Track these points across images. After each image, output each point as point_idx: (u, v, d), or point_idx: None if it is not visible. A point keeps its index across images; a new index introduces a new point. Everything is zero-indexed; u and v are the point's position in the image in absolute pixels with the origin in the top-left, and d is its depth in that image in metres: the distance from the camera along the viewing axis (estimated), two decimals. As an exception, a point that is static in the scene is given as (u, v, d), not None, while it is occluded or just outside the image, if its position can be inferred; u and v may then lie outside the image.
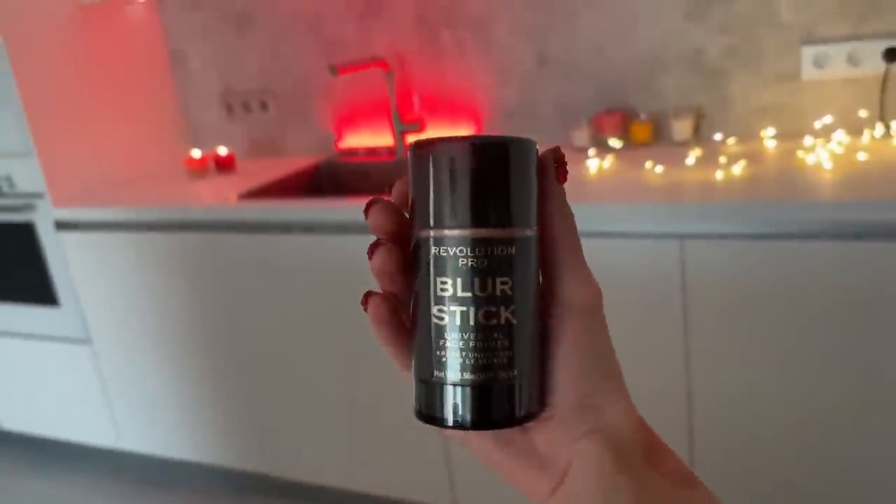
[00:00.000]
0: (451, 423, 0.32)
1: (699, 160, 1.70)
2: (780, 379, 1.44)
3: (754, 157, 1.67)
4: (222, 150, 2.34)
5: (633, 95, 1.93)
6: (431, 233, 0.32)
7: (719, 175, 1.56)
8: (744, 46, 1.79)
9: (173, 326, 2.09)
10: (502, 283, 0.32)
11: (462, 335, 0.31)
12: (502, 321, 0.32)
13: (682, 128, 1.84)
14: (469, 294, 0.31)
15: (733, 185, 1.49)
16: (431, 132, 2.18)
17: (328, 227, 1.77)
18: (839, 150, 1.61)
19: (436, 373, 0.32)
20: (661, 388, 1.52)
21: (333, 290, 1.80)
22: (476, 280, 0.31)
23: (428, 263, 0.32)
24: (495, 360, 0.31)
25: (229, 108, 2.48)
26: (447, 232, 0.32)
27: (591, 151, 1.90)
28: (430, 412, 0.33)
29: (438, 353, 0.32)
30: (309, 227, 1.79)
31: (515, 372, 0.32)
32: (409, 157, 0.34)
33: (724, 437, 1.53)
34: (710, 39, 1.82)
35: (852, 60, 1.69)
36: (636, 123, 1.89)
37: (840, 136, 1.70)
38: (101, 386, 2.29)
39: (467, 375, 0.31)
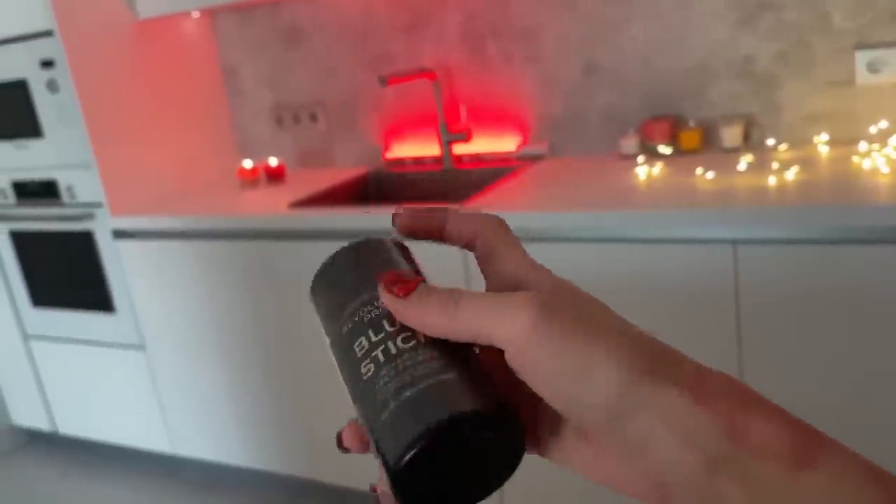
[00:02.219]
0: (406, 447, 0.29)
1: (751, 166, 1.69)
2: (835, 386, 1.41)
3: (807, 163, 1.65)
4: (273, 161, 2.39)
5: (682, 103, 1.93)
6: (337, 324, 0.36)
7: (772, 180, 1.55)
8: (795, 53, 1.78)
9: (225, 333, 2.14)
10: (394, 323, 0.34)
11: (390, 365, 0.31)
12: (421, 339, 0.32)
13: (732, 134, 1.83)
14: (381, 335, 0.33)
15: (787, 190, 1.48)
16: (477, 142, 2.20)
17: (378, 235, 1.79)
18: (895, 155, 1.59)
19: (382, 416, 0.30)
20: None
21: (383, 296, 1.81)
22: (382, 321, 0.33)
23: (342, 344, 0.35)
24: (429, 370, 0.31)
25: (279, 120, 2.53)
26: (342, 313, 0.36)
27: (640, 159, 1.90)
28: (391, 453, 0.30)
29: (377, 398, 0.31)
30: (357, 235, 1.82)
31: (454, 374, 0.30)
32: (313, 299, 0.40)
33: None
34: (761, 46, 1.81)
35: (908, 64, 1.67)
36: (685, 130, 1.89)
37: (896, 141, 1.68)
38: (155, 392, 2.35)
39: (407, 393, 0.30)
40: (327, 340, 0.37)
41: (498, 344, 0.29)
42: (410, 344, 0.32)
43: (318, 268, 0.38)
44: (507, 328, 0.28)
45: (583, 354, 0.27)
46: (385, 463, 0.30)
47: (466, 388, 0.30)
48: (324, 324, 0.38)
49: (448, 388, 0.30)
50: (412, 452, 0.29)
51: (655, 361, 0.27)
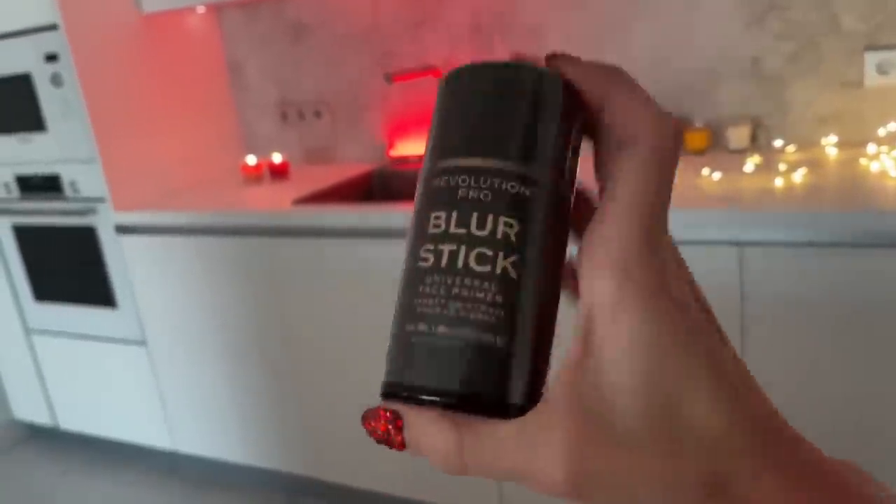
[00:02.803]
0: (410, 389, 0.25)
1: (758, 168, 1.67)
2: (840, 392, 1.40)
3: (815, 165, 1.63)
4: (277, 158, 2.38)
5: (689, 104, 1.91)
6: (433, 164, 0.28)
7: (779, 182, 1.54)
8: (804, 54, 1.76)
9: (227, 330, 2.13)
10: (506, 224, 0.26)
11: (444, 278, 0.25)
12: (498, 270, 0.25)
13: (738, 135, 1.81)
14: (463, 230, 0.26)
15: (793, 193, 1.47)
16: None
17: (380, 233, 1.78)
18: (904, 158, 1.57)
19: (406, 325, 0.26)
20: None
21: (386, 295, 1.81)
22: (474, 214, 0.26)
23: (424, 198, 0.27)
24: (479, 317, 0.25)
25: (284, 117, 2.52)
26: (450, 161, 0.27)
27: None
28: (391, 376, 0.26)
29: (415, 300, 0.26)
30: (362, 233, 1.81)
31: (502, 339, 0.25)
32: (439, 87, 0.30)
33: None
34: (770, 47, 1.79)
35: (918, 66, 1.65)
36: (691, 131, 1.87)
37: (905, 143, 1.66)
38: (157, 388, 2.34)
39: (443, 329, 0.25)
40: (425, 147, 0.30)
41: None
42: (483, 269, 0.25)
43: (478, 66, 0.28)
44: (537, 486, 0.24)
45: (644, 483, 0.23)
46: (386, 372, 0.27)
47: (503, 369, 0.25)
48: (431, 136, 0.29)
49: (484, 358, 0.25)
50: (400, 390, 0.26)
51: (751, 456, 0.23)
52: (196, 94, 2.46)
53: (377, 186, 2.31)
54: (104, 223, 2.22)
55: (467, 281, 0.25)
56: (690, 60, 1.88)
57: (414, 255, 0.27)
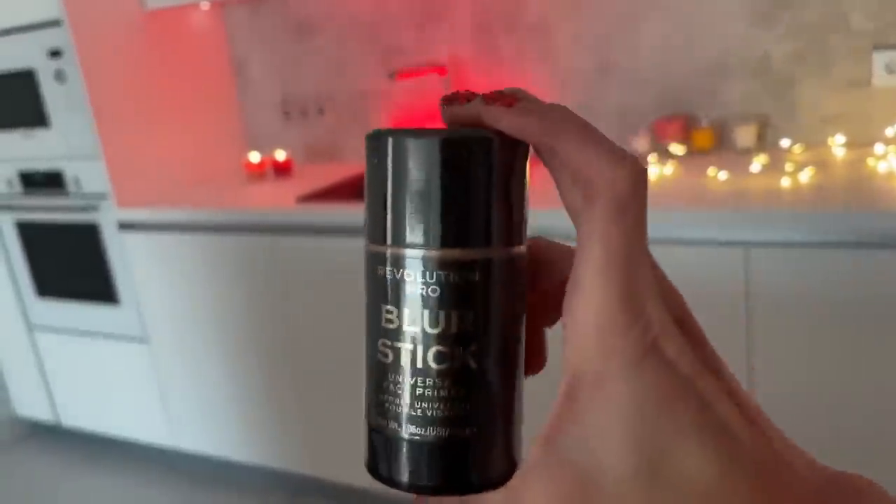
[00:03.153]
0: (390, 481, 0.26)
1: (764, 167, 1.66)
2: (847, 393, 1.38)
3: (822, 165, 1.62)
4: (280, 155, 2.37)
5: (696, 102, 1.90)
6: (374, 248, 0.27)
7: (785, 182, 1.52)
8: (812, 53, 1.75)
9: (229, 327, 2.12)
10: (459, 318, 0.25)
11: (405, 378, 0.26)
12: (457, 364, 0.25)
13: (745, 134, 1.80)
14: (416, 328, 0.25)
15: (800, 193, 1.45)
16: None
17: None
18: (913, 159, 1.56)
19: (377, 420, 0.27)
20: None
21: (388, 293, 1.80)
22: (425, 312, 0.25)
23: (373, 285, 0.27)
24: (445, 414, 0.25)
25: (287, 114, 2.51)
26: (392, 250, 0.26)
27: (652, 158, 1.87)
28: (371, 464, 0.27)
29: (381, 396, 0.26)
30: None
31: (472, 429, 0.25)
32: (366, 149, 0.27)
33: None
34: (777, 46, 1.78)
35: (927, 66, 1.63)
36: (698, 130, 1.86)
37: (913, 144, 1.65)
38: (158, 385, 2.34)
39: (411, 429, 0.26)
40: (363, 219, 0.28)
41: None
42: (442, 366, 0.25)
43: (403, 138, 0.25)
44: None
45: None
46: (366, 454, 0.28)
47: (479, 456, 0.26)
48: (366, 207, 0.27)
49: (457, 451, 0.25)
50: (382, 481, 0.27)
51: None
52: (199, 91, 2.45)
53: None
54: (107, 220, 2.22)
55: (429, 381, 0.25)
56: (697, 59, 1.87)
57: (373, 347, 0.27)
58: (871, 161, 1.59)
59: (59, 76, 2.13)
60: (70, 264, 2.38)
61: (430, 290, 0.25)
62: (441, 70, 2.12)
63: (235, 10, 2.49)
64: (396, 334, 0.26)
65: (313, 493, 2.24)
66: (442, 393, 0.25)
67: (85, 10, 2.09)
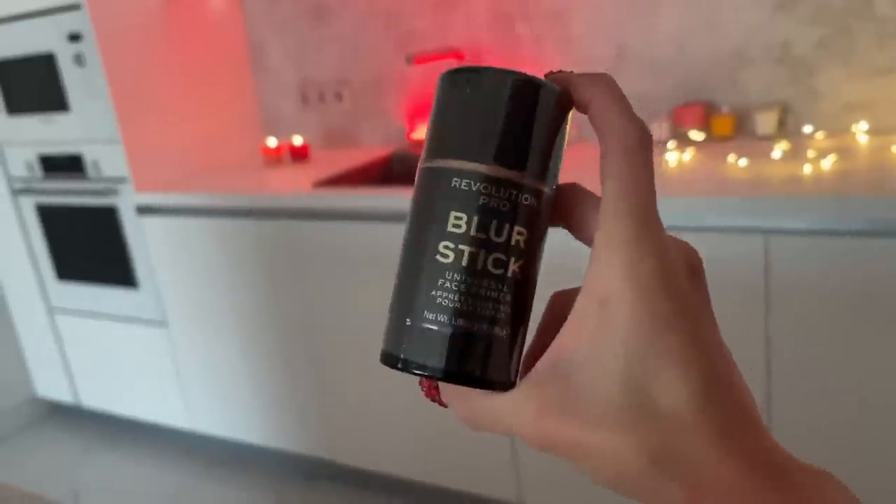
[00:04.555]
0: (426, 368, 0.29)
1: (785, 154, 1.64)
2: (867, 384, 1.37)
3: (845, 152, 1.59)
4: (297, 140, 2.37)
5: (716, 89, 1.88)
6: (456, 163, 0.29)
7: (807, 169, 1.50)
8: (836, 39, 1.72)
9: (247, 312, 2.13)
10: (519, 233, 0.29)
11: (465, 277, 0.29)
12: (509, 273, 0.29)
13: (766, 121, 1.78)
14: (484, 235, 0.29)
15: (822, 180, 1.43)
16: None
17: (400, 216, 1.77)
18: (938, 146, 1.53)
19: (426, 313, 0.29)
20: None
21: (404, 279, 1.80)
22: (495, 222, 0.29)
23: (444, 194, 0.29)
24: (492, 314, 0.29)
25: (305, 99, 2.51)
26: (476, 166, 0.29)
27: (671, 144, 1.85)
28: (404, 354, 0.30)
29: (434, 293, 0.29)
30: (382, 216, 1.80)
31: (507, 331, 0.29)
32: (445, 82, 0.31)
33: (805, 445, 1.47)
34: (800, 31, 1.75)
35: (954, 52, 1.60)
36: (718, 116, 1.84)
37: (938, 131, 1.62)
38: (176, 367, 2.36)
39: (461, 322, 0.29)
40: (425, 146, 0.31)
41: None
42: (498, 272, 0.29)
43: (493, 71, 0.30)
44: (525, 442, 0.29)
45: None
46: (391, 330, 0.31)
47: (507, 356, 0.30)
48: (440, 116, 0.31)
49: (495, 348, 0.29)
50: (413, 369, 0.30)
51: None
52: (217, 76, 2.45)
53: (397, 169, 2.30)
54: (126, 203, 2.23)
55: (485, 282, 0.29)
56: (718, 45, 1.85)
57: (431, 248, 0.29)
58: (895, 149, 1.56)
59: (79, 60, 2.14)
60: (89, 248, 2.40)
61: (501, 204, 0.29)
62: (458, 55, 2.11)
63: (253, -6, 2.49)
64: (462, 238, 0.29)
65: (328, 477, 2.26)
66: (492, 294, 0.29)
67: (104, -5, 2.09)
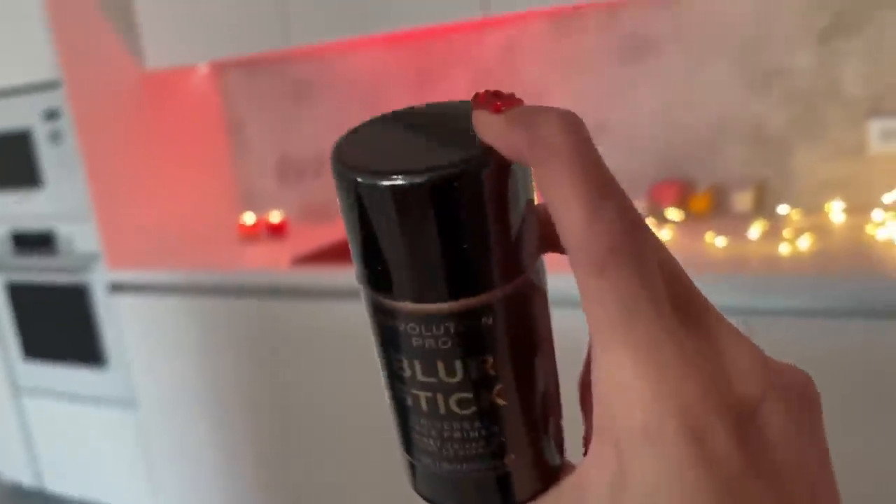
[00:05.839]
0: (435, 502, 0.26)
1: (763, 233, 1.65)
2: (849, 466, 1.34)
3: (821, 231, 1.60)
4: (275, 216, 2.36)
5: (693, 166, 1.90)
6: (375, 296, 0.24)
7: (784, 249, 1.51)
8: (807, 119, 1.75)
9: (219, 393, 2.07)
10: (476, 363, 0.23)
11: (432, 423, 0.24)
12: (483, 406, 0.24)
13: (743, 199, 1.79)
14: (433, 379, 0.23)
15: (800, 260, 1.43)
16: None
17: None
18: (912, 226, 1.55)
19: (414, 454, 0.26)
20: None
21: (382, 358, 1.76)
22: (438, 363, 0.23)
23: (381, 332, 0.24)
24: (479, 452, 0.24)
25: (283, 174, 2.51)
26: (392, 303, 0.23)
27: (649, 222, 1.86)
28: (415, 486, 0.27)
29: (411, 435, 0.25)
30: (360, 293, 1.77)
31: (511, 457, 0.24)
32: (335, 173, 0.23)
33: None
34: (772, 112, 1.79)
35: (923, 133, 1.64)
36: (695, 194, 1.85)
37: (912, 210, 1.64)
38: (145, 451, 2.27)
39: (446, 466, 0.25)
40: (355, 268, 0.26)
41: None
42: (467, 411, 0.24)
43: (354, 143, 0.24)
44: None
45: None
46: (409, 475, 0.27)
47: (516, 481, 0.25)
48: (347, 225, 0.24)
49: (497, 482, 0.25)
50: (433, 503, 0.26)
51: None
52: (195, 152, 2.45)
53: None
54: (98, 281, 2.19)
55: (455, 424, 0.24)
56: (695, 123, 1.88)
57: (392, 389, 0.25)
58: (869, 228, 1.57)
59: (55, 137, 2.13)
60: (59, 326, 2.34)
61: (440, 342, 0.23)
62: (437, 133, 2.12)
63: (233, 71, 2.51)
64: (413, 383, 0.24)
65: (302, 565, 2.16)
66: (472, 434, 0.24)
67: (84, 72, 2.10)
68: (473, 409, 0.24)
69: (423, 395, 0.24)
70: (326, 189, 2.45)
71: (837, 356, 1.32)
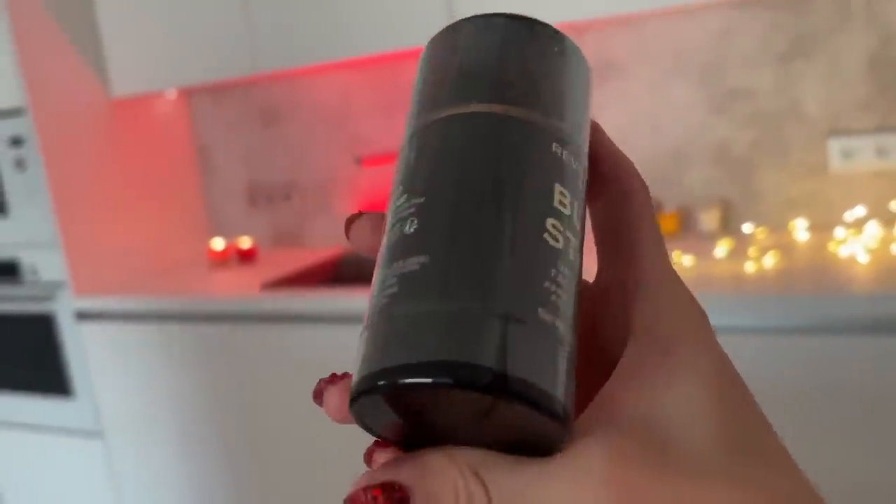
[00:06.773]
0: (502, 377, 0.19)
1: (728, 252, 1.67)
2: (815, 481, 1.35)
3: (785, 249, 1.63)
4: (245, 242, 2.34)
5: (659, 188, 1.92)
6: (559, 124, 0.23)
7: (749, 267, 1.52)
8: (770, 139, 1.79)
9: (190, 422, 2.04)
10: (579, 206, 0.23)
11: (563, 267, 0.21)
12: (572, 256, 0.22)
13: (709, 219, 1.82)
14: (573, 214, 0.22)
15: (764, 278, 1.45)
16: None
17: (350, 318, 1.74)
18: (872, 243, 1.57)
19: (539, 310, 0.20)
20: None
21: (353, 383, 1.75)
22: (576, 203, 0.23)
23: (541, 160, 0.22)
24: (563, 308, 0.21)
25: (253, 200, 2.50)
26: (578, 134, 0.23)
27: (617, 243, 1.87)
28: (510, 368, 0.19)
29: (544, 285, 0.21)
30: (331, 318, 1.76)
31: (569, 337, 0.21)
32: (484, 25, 0.25)
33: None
34: (735, 133, 1.82)
35: (881, 153, 1.67)
36: (662, 215, 1.87)
37: (872, 228, 1.67)
38: (112, 482, 2.23)
39: (543, 315, 0.20)
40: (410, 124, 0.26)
41: None
42: (575, 259, 0.23)
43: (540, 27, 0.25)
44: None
45: None
46: (448, 326, 0.20)
47: (569, 366, 0.21)
48: (462, 69, 0.25)
49: (567, 363, 0.21)
50: (480, 377, 0.19)
51: None
52: (163, 178, 2.44)
53: (347, 270, 2.28)
54: (64, 309, 2.15)
55: (566, 271, 0.22)
56: (660, 144, 1.90)
57: (533, 225, 0.21)
58: (832, 245, 1.60)
59: (20, 164, 2.11)
60: (23, 356, 2.30)
61: (581, 182, 0.23)
62: (407, 156, 2.13)
63: (201, 97, 2.50)
64: (569, 221, 0.22)
65: None
66: (565, 283, 0.22)
67: (49, 98, 2.08)
68: (573, 256, 0.23)
69: (570, 236, 0.22)
70: (296, 214, 2.44)
71: (802, 372, 1.33)
